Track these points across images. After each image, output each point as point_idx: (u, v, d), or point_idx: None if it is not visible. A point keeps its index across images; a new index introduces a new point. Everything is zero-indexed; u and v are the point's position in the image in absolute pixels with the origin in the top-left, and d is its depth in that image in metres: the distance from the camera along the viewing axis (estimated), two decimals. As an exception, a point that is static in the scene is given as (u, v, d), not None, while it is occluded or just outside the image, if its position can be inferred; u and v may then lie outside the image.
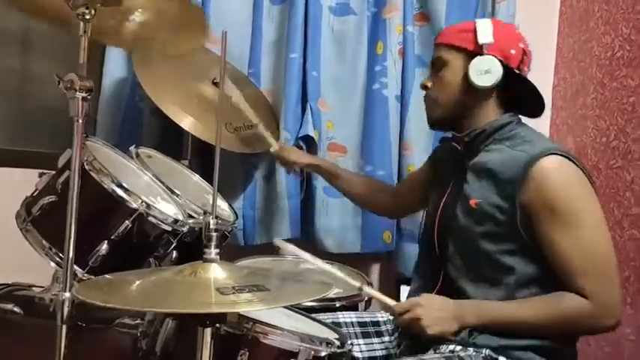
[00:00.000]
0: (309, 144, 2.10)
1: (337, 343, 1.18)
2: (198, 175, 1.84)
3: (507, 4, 2.10)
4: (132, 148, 1.63)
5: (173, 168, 1.80)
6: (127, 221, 1.23)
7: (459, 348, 1.26)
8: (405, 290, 2.23)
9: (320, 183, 2.13)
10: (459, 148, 1.41)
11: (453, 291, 1.32)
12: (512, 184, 1.24)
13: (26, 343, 1.41)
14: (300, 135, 2.07)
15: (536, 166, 1.22)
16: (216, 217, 1.60)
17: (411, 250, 2.14)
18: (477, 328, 1.25)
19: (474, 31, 1.33)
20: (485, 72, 1.30)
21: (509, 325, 1.23)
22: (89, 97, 1.06)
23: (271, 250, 2.16)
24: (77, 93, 1.04)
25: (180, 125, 1.81)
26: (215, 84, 2.00)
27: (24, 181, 2.10)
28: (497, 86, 1.31)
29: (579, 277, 1.18)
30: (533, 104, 1.38)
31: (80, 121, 1.06)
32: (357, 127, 2.18)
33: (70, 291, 1.07)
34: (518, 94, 1.36)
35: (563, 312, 1.20)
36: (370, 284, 1.85)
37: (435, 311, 1.26)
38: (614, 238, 1.74)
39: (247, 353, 1.05)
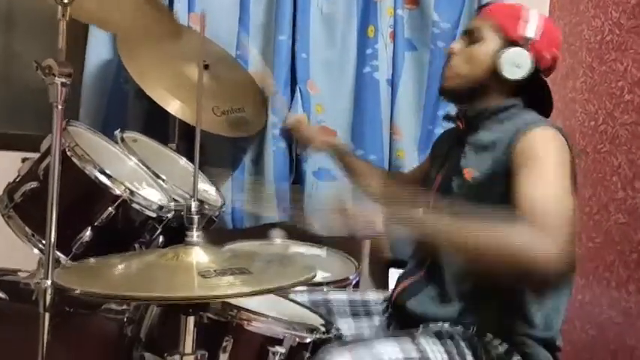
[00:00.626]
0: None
1: (322, 329, 1.18)
2: (185, 159, 1.82)
3: (498, -14, 2.08)
4: (117, 132, 1.61)
5: (159, 152, 1.78)
6: (110, 208, 1.21)
7: (446, 325, 1.27)
8: (393, 272, 2.25)
9: (310, 166, 2.12)
10: (461, 125, 1.41)
11: (440, 268, 1.32)
12: (506, 151, 1.24)
13: (11, 328, 1.40)
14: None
15: (527, 132, 1.22)
16: (203, 202, 1.61)
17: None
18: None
19: (524, 21, 1.32)
20: (517, 65, 1.29)
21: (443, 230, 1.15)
22: (68, 82, 1.04)
23: (259, 234, 2.17)
24: (56, 78, 1.02)
25: (167, 109, 1.79)
26: (203, 66, 1.98)
27: (8, 165, 2.08)
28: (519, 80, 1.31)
29: (529, 211, 1.11)
30: (544, 106, 1.38)
31: (60, 107, 1.04)
32: (347, 111, 2.16)
33: (52, 279, 1.07)
34: (534, 92, 1.36)
35: (509, 231, 1.08)
36: (358, 268, 1.88)
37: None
38: (601, 222, 1.75)
39: (232, 340, 1.06)
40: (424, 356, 1.17)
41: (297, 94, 2.07)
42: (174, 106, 1.80)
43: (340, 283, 1.70)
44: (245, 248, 1.94)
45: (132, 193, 1.24)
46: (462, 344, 1.21)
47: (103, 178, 1.21)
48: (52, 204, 1.04)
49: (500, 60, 1.30)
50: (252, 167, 2.14)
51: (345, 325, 1.41)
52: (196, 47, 2.00)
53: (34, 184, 1.23)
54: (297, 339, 1.11)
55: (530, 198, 1.13)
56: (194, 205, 0.92)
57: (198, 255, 0.89)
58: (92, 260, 1.02)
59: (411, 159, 2.12)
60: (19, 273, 1.65)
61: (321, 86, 2.14)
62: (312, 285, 1.64)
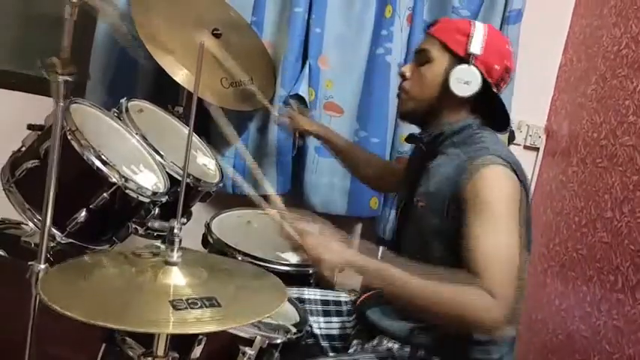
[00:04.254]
0: (300, 102, 2.09)
1: (294, 330, 1.25)
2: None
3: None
4: (123, 100, 1.64)
5: (164, 121, 1.81)
6: (105, 194, 1.27)
7: (396, 346, 1.34)
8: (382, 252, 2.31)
9: (312, 142, 2.15)
10: (423, 148, 1.44)
11: None
12: (452, 187, 1.28)
13: (9, 285, 1.48)
14: (291, 93, 2.06)
15: (475, 173, 1.25)
16: (199, 180, 1.67)
17: (393, 216, 2.20)
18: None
19: (468, 37, 1.33)
20: (465, 82, 1.32)
21: (400, 291, 1.20)
22: (71, 79, 1.07)
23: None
24: (59, 77, 1.05)
25: (175, 78, 1.81)
26: (214, 35, 1.98)
27: (15, 105, 2.13)
28: (471, 96, 1.34)
29: (482, 272, 1.15)
30: (500, 119, 1.41)
31: (61, 103, 1.08)
32: (356, 90, 2.16)
33: (45, 263, 1.14)
34: (489, 105, 1.39)
35: (461, 295, 1.15)
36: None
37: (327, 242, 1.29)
38: (587, 235, 1.78)
39: (205, 339, 1.13)
40: None
41: (306, 70, 2.08)
42: (181, 76, 1.82)
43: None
44: (242, 217, 2.00)
45: (126, 180, 1.29)
46: None
47: (100, 165, 1.26)
48: (48, 195, 1.10)
49: (449, 79, 1.33)
50: (257, 136, 2.18)
51: (316, 324, 1.50)
52: (211, 10, 2.02)
53: (35, 163, 1.28)
54: (268, 340, 1.18)
55: (483, 252, 1.17)
56: (176, 226, 0.97)
57: (176, 277, 0.95)
58: (86, 258, 1.08)
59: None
60: (22, 226, 1.74)
61: (333, 62, 2.14)
62: (298, 266, 1.72)
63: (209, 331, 0.84)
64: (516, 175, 1.26)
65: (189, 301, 0.88)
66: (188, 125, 1.82)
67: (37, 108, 2.20)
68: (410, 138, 1.51)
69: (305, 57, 2.10)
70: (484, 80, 1.32)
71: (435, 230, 1.31)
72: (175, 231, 0.97)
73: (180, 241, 0.98)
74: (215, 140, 2.17)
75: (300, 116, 1.95)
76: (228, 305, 0.89)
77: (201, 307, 0.87)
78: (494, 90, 1.36)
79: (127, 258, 1.06)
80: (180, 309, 0.86)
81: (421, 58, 1.40)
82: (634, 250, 1.53)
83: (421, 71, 1.40)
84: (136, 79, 2.09)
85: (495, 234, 1.19)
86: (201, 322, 0.83)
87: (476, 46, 1.32)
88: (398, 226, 1.51)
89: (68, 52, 1.08)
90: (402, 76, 1.44)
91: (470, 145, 1.33)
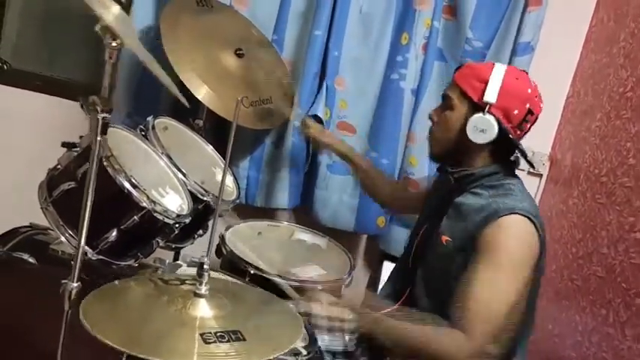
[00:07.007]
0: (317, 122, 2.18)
1: (304, 352, 1.35)
2: (211, 146, 1.93)
3: (537, 14, 2.09)
4: (149, 118, 1.72)
5: (188, 139, 1.89)
6: (135, 217, 1.36)
7: None
8: (387, 266, 2.40)
9: (325, 159, 2.24)
10: (452, 181, 1.51)
11: (412, 306, 1.48)
12: (476, 229, 1.36)
13: (39, 291, 1.57)
14: (309, 113, 2.15)
15: (499, 220, 1.33)
16: (217, 197, 1.75)
17: (399, 233, 2.29)
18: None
19: (485, 84, 1.38)
20: (481, 131, 1.38)
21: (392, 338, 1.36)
22: (109, 116, 1.16)
23: (268, 214, 2.33)
24: (99, 114, 1.13)
25: (197, 96, 1.90)
26: (237, 55, 2.06)
27: (46, 109, 2.20)
28: (491, 141, 1.40)
29: (464, 311, 1.29)
30: (517, 165, 1.50)
31: (99, 138, 1.16)
32: (369, 112, 2.25)
33: (78, 282, 1.23)
34: (510, 148, 1.45)
35: (435, 334, 1.30)
36: (353, 265, 2.02)
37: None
38: (582, 267, 1.87)
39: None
40: None
41: (323, 91, 2.17)
42: (203, 94, 1.91)
43: (334, 283, 1.86)
44: (254, 228, 2.08)
45: (155, 204, 1.38)
46: None
47: (131, 189, 1.35)
48: (83, 222, 1.18)
49: (467, 127, 1.39)
50: (272, 149, 2.27)
51: (320, 339, 1.58)
52: (236, 31, 2.10)
53: (71, 184, 1.37)
54: (281, 363, 1.28)
55: (473, 295, 1.29)
56: (206, 262, 1.06)
57: (203, 309, 1.04)
58: (116, 283, 1.17)
59: (422, 166, 2.22)
60: (50, 231, 1.82)
61: (349, 83, 2.23)
62: (307, 284, 1.81)
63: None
64: (536, 228, 1.34)
65: (218, 334, 0.97)
66: (208, 141, 1.95)
67: (59, 110, 2.32)
68: (441, 169, 1.59)
69: (322, 78, 2.18)
70: (501, 127, 1.38)
71: (458, 266, 1.38)
72: (205, 266, 1.06)
73: (209, 275, 1.07)
74: (232, 153, 2.26)
75: (324, 132, 2.05)
76: (252, 339, 0.98)
77: (228, 340, 0.96)
78: (516, 133, 1.41)
79: (157, 285, 1.15)
80: (209, 342, 0.95)
81: (445, 103, 1.48)
82: (625, 289, 1.62)
83: (445, 117, 1.47)
84: (160, 90, 2.18)
85: (492, 284, 1.29)
86: (229, 357, 0.92)
87: (491, 94, 1.37)
88: (415, 251, 1.55)
89: (107, 91, 1.17)
90: (431, 118, 1.53)
91: (498, 190, 1.41)
